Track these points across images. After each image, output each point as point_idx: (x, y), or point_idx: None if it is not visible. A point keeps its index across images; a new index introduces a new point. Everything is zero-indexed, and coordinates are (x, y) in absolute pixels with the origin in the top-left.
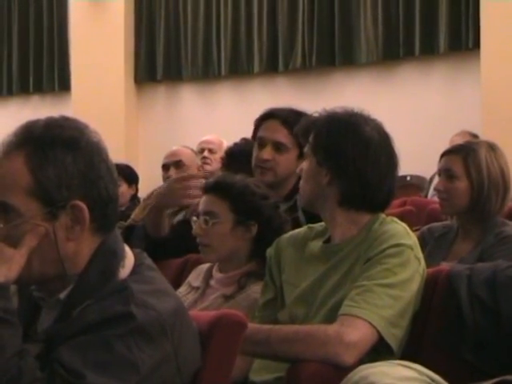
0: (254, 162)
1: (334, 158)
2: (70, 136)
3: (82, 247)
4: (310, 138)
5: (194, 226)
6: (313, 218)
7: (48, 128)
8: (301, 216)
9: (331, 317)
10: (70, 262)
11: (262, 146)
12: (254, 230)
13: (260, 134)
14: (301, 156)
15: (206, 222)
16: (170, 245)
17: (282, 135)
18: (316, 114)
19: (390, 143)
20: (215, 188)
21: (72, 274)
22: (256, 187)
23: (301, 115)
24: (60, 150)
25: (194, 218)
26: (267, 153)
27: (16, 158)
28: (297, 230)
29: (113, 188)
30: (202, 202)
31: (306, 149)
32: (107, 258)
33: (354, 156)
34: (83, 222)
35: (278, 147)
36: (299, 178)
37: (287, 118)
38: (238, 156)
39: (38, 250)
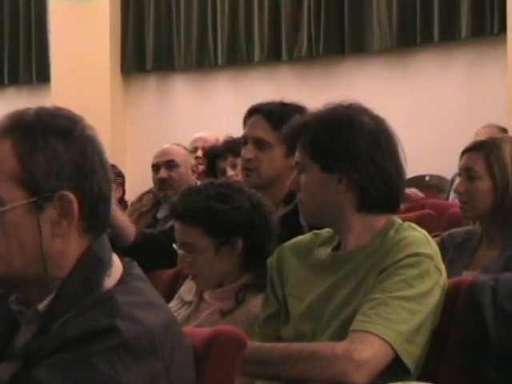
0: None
1: (346, 157)
2: (63, 125)
3: (68, 247)
4: (303, 144)
5: (178, 258)
6: None
7: (40, 115)
8: (303, 221)
9: (342, 333)
10: (54, 264)
11: (244, 144)
12: (240, 244)
13: (244, 131)
14: (290, 154)
15: (186, 253)
16: (157, 251)
17: (262, 131)
18: (306, 115)
19: (389, 129)
20: (181, 216)
21: (54, 278)
22: (221, 201)
23: (291, 108)
24: (51, 137)
25: (175, 246)
26: (249, 151)
27: (2, 144)
28: (300, 237)
29: (106, 186)
30: (176, 231)
31: (298, 158)
32: (92, 265)
33: (368, 150)
34: (71, 215)
35: (260, 144)
36: None
37: (271, 111)
38: (220, 157)
39: (20, 245)
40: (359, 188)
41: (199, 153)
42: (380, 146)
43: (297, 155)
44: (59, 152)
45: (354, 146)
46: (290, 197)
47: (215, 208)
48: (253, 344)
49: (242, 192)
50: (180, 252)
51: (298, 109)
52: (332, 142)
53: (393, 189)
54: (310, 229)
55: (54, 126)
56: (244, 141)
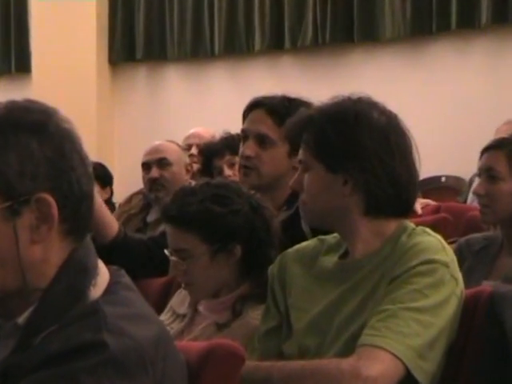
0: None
1: (352, 157)
2: (37, 120)
3: (49, 254)
4: (307, 142)
5: (170, 266)
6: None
7: (10, 110)
8: (305, 227)
9: (350, 348)
10: (34, 273)
11: (244, 140)
12: (238, 251)
13: (243, 126)
14: (293, 153)
15: (180, 260)
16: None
17: (265, 126)
18: (311, 109)
19: (402, 125)
20: (174, 220)
21: (34, 289)
22: (218, 203)
23: (296, 104)
24: (24, 134)
25: (167, 252)
26: (249, 148)
27: None
28: (304, 243)
29: (87, 183)
30: (168, 236)
31: (302, 156)
32: (76, 274)
33: (375, 149)
34: (51, 219)
35: (262, 141)
36: None
37: (275, 106)
38: (216, 155)
39: None
40: (366, 190)
41: (194, 150)
42: (390, 145)
43: (300, 153)
44: (33, 150)
45: (360, 145)
46: (292, 200)
47: (212, 211)
48: (250, 364)
49: (241, 194)
50: (172, 259)
51: (303, 104)
52: (337, 140)
53: (403, 191)
54: (314, 235)
55: (26, 121)
56: (244, 136)
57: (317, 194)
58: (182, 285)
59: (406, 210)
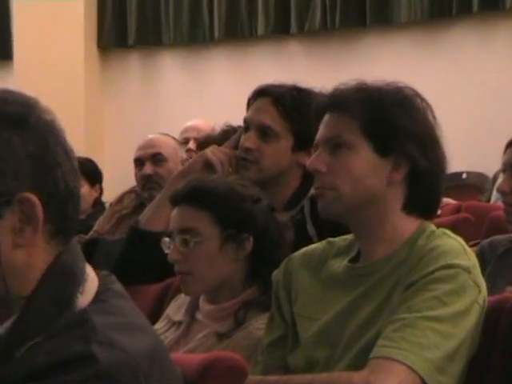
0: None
1: (407, 142)
2: (17, 112)
3: (33, 259)
4: (357, 116)
5: (169, 250)
6: (326, 230)
7: None
8: (310, 229)
9: (362, 361)
10: (17, 279)
11: (245, 131)
12: (249, 244)
13: (245, 116)
14: (298, 147)
15: (184, 242)
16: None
17: (268, 116)
18: (359, 84)
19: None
20: (190, 197)
21: (16, 297)
22: (243, 187)
23: (305, 94)
24: (3, 128)
25: (166, 239)
26: (250, 140)
27: None
28: (312, 246)
29: (73, 180)
30: (174, 216)
31: (339, 132)
32: (62, 280)
33: (423, 137)
34: (35, 221)
35: (265, 132)
36: (303, 178)
37: (282, 96)
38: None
39: None
40: (410, 182)
41: (191, 145)
42: (435, 135)
43: (336, 128)
44: (14, 146)
45: (414, 130)
46: (296, 200)
47: (236, 191)
48: (253, 378)
49: (260, 192)
50: (175, 241)
51: (313, 95)
52: (391, 118)
53: (439, 189)
54: (320, 237)
55: (4, 114)
56: (245, 126)
57: (359, 177)
58: (178, 276)
59: (434, 211)
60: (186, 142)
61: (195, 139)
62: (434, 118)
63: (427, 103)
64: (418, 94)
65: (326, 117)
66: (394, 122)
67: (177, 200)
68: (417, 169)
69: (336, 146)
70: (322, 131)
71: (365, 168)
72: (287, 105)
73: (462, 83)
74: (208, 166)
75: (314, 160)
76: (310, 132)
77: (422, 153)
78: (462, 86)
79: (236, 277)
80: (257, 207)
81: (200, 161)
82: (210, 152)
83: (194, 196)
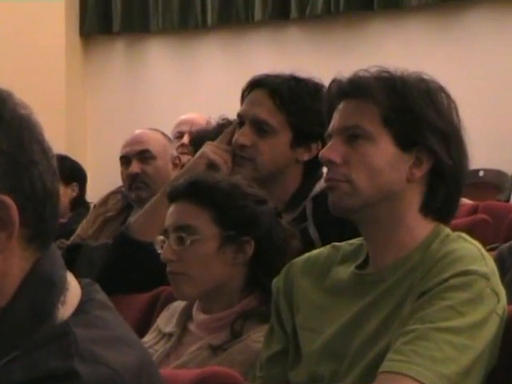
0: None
1: (430, 134)
2: None
3: (9, 266)
4: (378, 105)
5: (162, 249)
6: (330, 234)
7: None
8: (313, 232)
9: (370, 376)
10: None
11: (239, 125)
12: (250, 249)
13: (240, 109)
14: (297, 143)
15: (180, 240)
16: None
17: (264, 110)
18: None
19: None
20: (189, 192)
21: None
22: (247, 186)
23: (304, 85)
24: None
25: (161, 238)
26: (245, 136)
27: None
28: (316, 252)
29: (51, 179)
30: (171, 213)
31: (359, 121)
32: (40, 289)
33: (448, 133)
34: (10, 225)
35: (260, 127)
36: (304, 177)
37: (279, 87)
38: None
39: None
40: (431, 180)
41: (186, 139)
42: (458, 131)
43: (354, 116)
44: None
45: (450, 125)
46: (296, 201)
47: (240, 189)
48: None
49: (266, 195)
50: (170, 239)
51: (313, 86)
52: (424, 112)
53: (460, 190)
54: (324, 242)
55: None
56: (239, 121)
57: (377, 171)
58: (170, 276)
59: (453, 214)
60: (179, 136)
61: (190, 133)
62: (458, 116)
63: (452, 100)
64: (443, 89)
65: (342, 104)
66: (419, 113)
67: (175, 196)
68: (440, 166)
69: (352, 136)
70: (336, 120)
71: (384, 162)
72: (285, 97)
73: (478, 73)
74: (211, 166)
75: (328, 150)
76: (310, 125)
77: (446, 149)
78: (477, 75)
79: (233, 283)
80: (261, 209)
81: (202, 162)
82: (211, 151)
83: (193, 191)
